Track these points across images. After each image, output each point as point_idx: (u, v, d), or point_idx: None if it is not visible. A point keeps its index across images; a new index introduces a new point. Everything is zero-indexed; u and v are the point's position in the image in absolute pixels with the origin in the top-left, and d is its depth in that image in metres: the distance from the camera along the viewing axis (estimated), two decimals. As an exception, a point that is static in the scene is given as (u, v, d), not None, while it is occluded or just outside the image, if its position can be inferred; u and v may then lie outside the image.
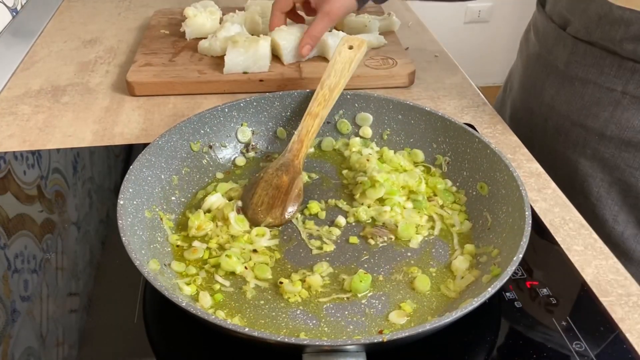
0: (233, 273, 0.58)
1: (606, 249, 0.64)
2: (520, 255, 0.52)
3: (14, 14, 1.15)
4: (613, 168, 0.82)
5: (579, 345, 0.53)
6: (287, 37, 0.93)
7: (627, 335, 0.54)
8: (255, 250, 0.60)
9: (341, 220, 0.65)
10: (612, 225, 0.84)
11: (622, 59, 0.77)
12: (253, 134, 0.75)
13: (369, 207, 0.67)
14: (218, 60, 0.97)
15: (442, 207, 0.67)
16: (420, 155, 0.72)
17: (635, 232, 0.83)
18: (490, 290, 0.49)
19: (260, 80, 0.92)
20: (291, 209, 0.66)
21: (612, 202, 0.83)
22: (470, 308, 0.47)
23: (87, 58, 1.05)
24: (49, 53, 1.07)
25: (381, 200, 0.67)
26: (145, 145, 0.66)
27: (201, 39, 1.01)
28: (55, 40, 1.12)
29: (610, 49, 0.77)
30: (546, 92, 0.88)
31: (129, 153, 0.80)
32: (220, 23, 1.06)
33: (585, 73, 0.81)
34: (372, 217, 0.66)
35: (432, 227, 0.64)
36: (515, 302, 0.57)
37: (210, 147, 0.72)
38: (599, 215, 0.84)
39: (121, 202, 0.57)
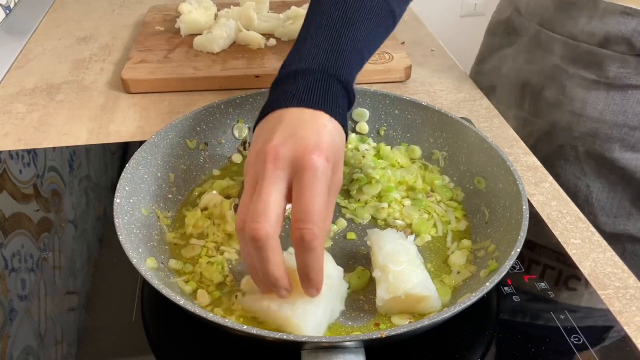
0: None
1: (604, 242, 0.65)
2: (518, 250, 0.52)
3: (7, 11, 1.15)
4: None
5: (577, 339, 0.53)
6: None
7: (625, 328, 0.54)
8: None
9: (342, 221, 0.65)
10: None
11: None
12: (249, 130, 0.75)
13: (365, 203, 0.66)
14: (213, 57, 0.96)
15: (439, 202, 0.67)
16: (417, 151, 0.72)
17: None
18: (489, 285, 0.49)
19: (256, 76, 0.92)
20: (288, 206, 0.65)
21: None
22: (468, 303, 0.47)
23: (82, 55, 1.05)
24: (43, 51, 1.06)
25: (378, 197, 0.67)
26: (141, 142, 0.65)
27: (196, 35, 1.01)
28: (50, 38, 1.11)
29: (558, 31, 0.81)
30: (591, 109, 0.86)
31: (125, 151, 0.80)
32: (215, 19, 1.06)
33: (639, 80, 0.82)
34: (371, 215, 0.65)
35: (434, 226, 0.64)
36: (514, 297, 0.57)
37: (207, 144, 0.72)
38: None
39: (117, 200, 0.57)
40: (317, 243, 0.46)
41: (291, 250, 0.57)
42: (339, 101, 0.52)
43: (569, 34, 0.86)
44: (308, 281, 0.48)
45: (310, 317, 0.49)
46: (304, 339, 0.46)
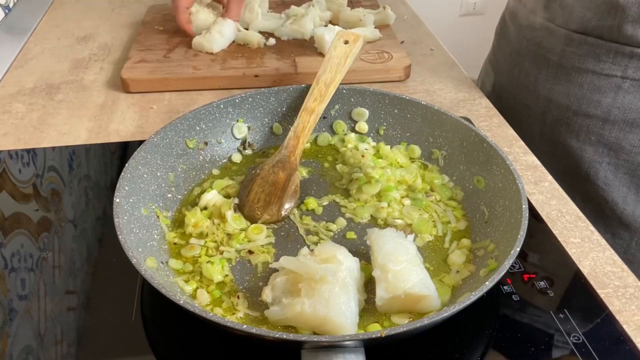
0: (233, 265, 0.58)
1: (603, 241, 0.65)
2: (518, 249, 0.52)
3: (7, 11, 1.15)
4: (618, 150, 0.84)
5: (576, 338, 0.53)
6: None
7: (625, 327, 0.54)
8: (251, 252, 0.60)
9: (341, 220, 0.65)
10: (623, 207, 0.85)
11: (619, 45, 0.78)
12: (249, 130, 0.75)
13: (365, 203, 0.67)
14: (213, 56, 0.96)
15: (438, 202, 0.67)
16: (417, 150, 0.72)
17: None
18: (488, 284, 0.49)
19: (256, 76, 0.92)
20: (288, 206, 0.66)
21: (620, 184, 0.85)
22: (468, 302, 0.47)
23: (81, 55, 1.05)
24: (43, 50, 1.06)
25: (378, 197, 0.67)
26: (140, 142, 0.65)
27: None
28: (49, 38, 1.11)
29: (607, 37, 0.78)
30: (541, 86, 0.88)
31: (124, 150, 0.80)
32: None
33: (582, 63, 0.82)
34: (371, 215, 0.65)
35: (435, 226, 0.64)
36: (513, 295, 0.57)
37: (206, 143, 0.72)
38: (609, 199, 0.85)
39: (117, 200, 0.57)
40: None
41: (303, 252, 0.57)
42: None
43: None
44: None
45: (347, 310, 0.50)
46: (303, 338, 0.46)
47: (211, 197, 0.65)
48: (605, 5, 0.77)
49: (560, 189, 0.73)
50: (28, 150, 0.79)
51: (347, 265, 0.53)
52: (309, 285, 0.51)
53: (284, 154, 0.69)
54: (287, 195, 0.66)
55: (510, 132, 0.84)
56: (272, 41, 1.01)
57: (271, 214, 0.64)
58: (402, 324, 0.52)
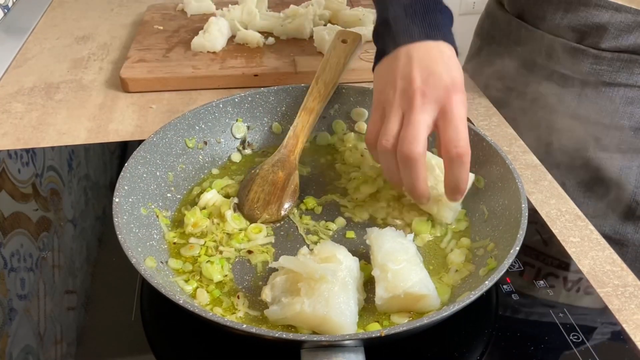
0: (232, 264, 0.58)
1: (602, 240, 0.65)
2: (517, 248, 0.52)
3: (6, 10, 1.15)
4: None
5: (576, 337, 0.53)
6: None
7: (624, 325, 0.54)
8: (250, 251, 0.60)
9: (341, 219, 0.65)
10: None
11: None
12: (248, 129, 0.75)
13: (364, 202, 0.66)
14: (212, 56, 0.96)
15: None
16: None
17: None
18: (488, 283, 0.49)
19: (255, 75, 0.92)
20: (287, 205, 0.66)
21: None
22: (467, 301, 0.47)
23: (80, 55, 1.05)
24: (42, 50, 1.06)
25: (376, 196, 0.67)
26: (140, 142, 0.65)
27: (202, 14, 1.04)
28: (48, 37, 1.11)
29: (639, 51, 0.78)
30: (565, 105, 0.86)
31: (124, 150, 0.80)
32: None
33: (613, 78, 0.82)
34: (370, 214, 0.65)
35: (434, 226, 0.64)
36: (513, 295, 0.57)
37: (206, 143, 0.72)
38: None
39: (116, 200, 0.57)
40: (468, 159, 0.56)
41: (303, 251, 0.57)
42: (446, 22, 0.61)
43: (547, 28, 0.86)
44: (457, 191, 0.58)
45: (347, 310, 0.50)
46: (303, 337, 0.46)
47: (211, 196, 0.65)
48: (637, 24, 0.77)
49: (560, 188, 0.73)
50: (27, 150, 0.79)
51: (347, 264, 0.53)
52: (309, 285, 0.51)
53: (284, 154, 0.69)
54: (287, 195, 0.66)
55: (510, 131, 0.84)
56: (271, 40, 1.01)
57: (271, 214, 0.64)
58: (401, 323, 0.52)
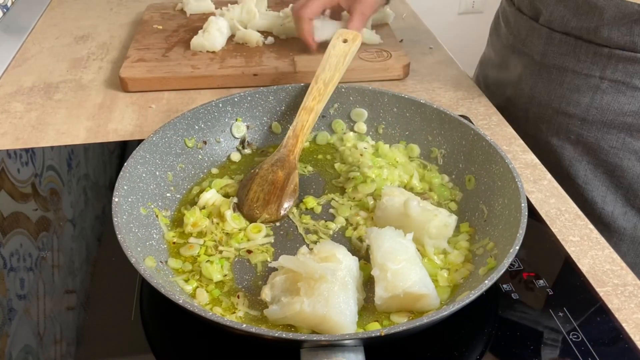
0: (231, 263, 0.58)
1: (602, 240, 0.65)
2: (517, 247, 0.52)
3: (5, 10, 1.15)
4: (597, 151, 0.84)
5: (575, 336, 0.53)
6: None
7: (624, 325, 0.54)
8: (250, 251, 0.60)
9: (341, 219, 0.65)
10: (602, 206, 0.86)
11: (597, 46, 0.79)
12: (248, 129, 0.75)
13: (360, 202, 0.66)
14: (211, 55, 0.96)
15: (438, 203, 0.66)
16: (416, 149, 0.72)
17: (623, 210, 0.86)
18: (487, 283, 0.49)
19: (255, 75, 0.92)
20: (287, 205, 0.66)
21: (599, 184, 0.86)
22: (467, 301, 0.47)
23: (80, 54, 1.05)
24: (41, 50, 1.06)
25: (374, 196, 0.67)
26: (139, 141, 0.65)
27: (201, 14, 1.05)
28: (47, 37, 1.11)
29: (585, 37, 0.79)
30: (524, 84, 0.89)
31: (123, 149, 0.80)
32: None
33: (562, 62, 0.83)
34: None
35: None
36: (512, 294, 0.57)
37: (205, 142, 0.72)
38: (588, 198, 0.86)
39: (116, 200, 0.57)
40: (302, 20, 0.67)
41: (302, 251, 0.57)
42: None
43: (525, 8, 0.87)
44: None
45: (346, 309, 0.50)
46: (303, 337, 0.46)
47: (210, 196, 0.65)
48: (584, 6, 0.78)
49: (560, 187, 0.73)
50: (27, 150, 0.79)
51: (347, 264, 0.53)
52: (308, 284, 0.51)
53: (283, 153, 0.69)
54: (286, 194, 0.66)
55: (509, 130, 0.84)
56: (270, 40, 1.01)
57: (270, 213, 0.64)
58: (401, 322, 0.52)
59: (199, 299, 0.55)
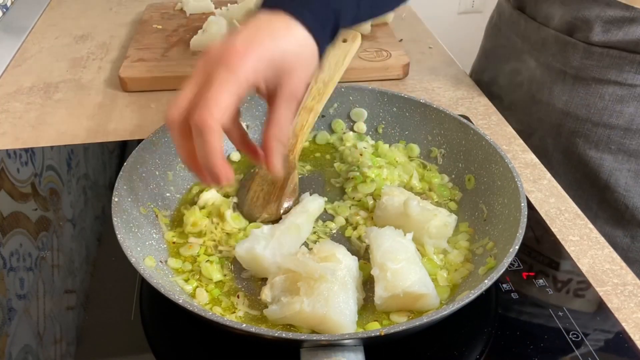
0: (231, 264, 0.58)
1: (602, 239, 0.65)
2: (517, 247, 0.52)
3: (4, 10, 1.15)
4: (639, 157, 0.83)
5: (575, 336, 0.53)
6: None
7: (624, 324, 0.54)
8: None
9: (340, 218, 0.65)
10: None
11: None
12: (247, 128, 0.75)
13: (359, 201, 0.66)
14: (211, 55, 0.96)
15: (437, 203, 0.66)
16: (415, 149, 0.72)
17: None
18: (487, 282, 0.49)
19: (254, 74, 0.91)
20: (287, 204, 0.65)
21: None
22: (467, 300, 0.47)
23: (79, 54, 1.05)
24: (41, 49, 1.06)
25: (374, 196, 0.67)
26: (139, 141, 0.65)
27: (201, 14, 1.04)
28: (47, 37, 1.11)
29: (630, 48, 0.78)
30: (557, 99, 0.86)
31: (123, 149, 0.80)
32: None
33: (603, 74, 0.81)
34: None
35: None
36: (512, 294, 0.57)
37: (205, 142, 0.72)
38: (630, 205, 0.85)
39: (116, 200, 0.57)
40: (208, 130, 0.45)
41: (302, 250, 0.57)
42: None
43: (543, 19, 0.85)
44: (205, 169, 0.48)
45: (346, 309, 0.50)
46: (303, 337, 0.46)
47: (210, 196, 0.65)
48: (625, 19, 0.76)
49: (559, 187, 0.73)
50: (26, 150, 0.79)
51: (346, 263, 0.53)
52: (308, 284, 0.51)
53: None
54: (286, 194, 0.66)
55: (509, 130, 0.84)
56: (270, 39, 1.01)
57: (270, 213, 0.64)
58: (401, 322, 0.52)
59: (198, 299, 0.55)
